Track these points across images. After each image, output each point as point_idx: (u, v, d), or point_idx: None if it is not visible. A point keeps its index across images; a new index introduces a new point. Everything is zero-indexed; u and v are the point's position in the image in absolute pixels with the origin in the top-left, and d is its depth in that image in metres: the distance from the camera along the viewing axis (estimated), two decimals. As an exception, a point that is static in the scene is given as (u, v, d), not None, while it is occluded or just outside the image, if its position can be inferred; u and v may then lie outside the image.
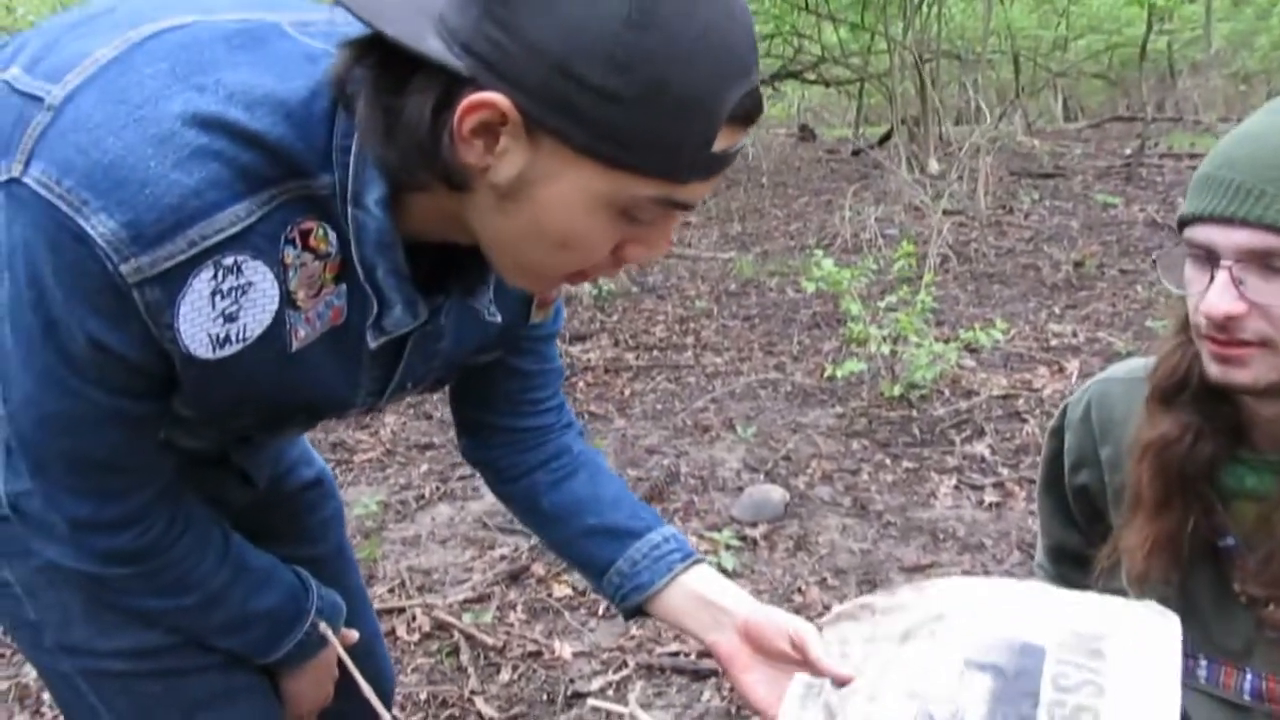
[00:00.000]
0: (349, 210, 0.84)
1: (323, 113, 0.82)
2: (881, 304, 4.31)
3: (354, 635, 1.26)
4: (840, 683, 1.03)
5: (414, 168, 0.79)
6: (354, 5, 0.76)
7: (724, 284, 6.21)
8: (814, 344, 4.97)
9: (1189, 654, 1.09)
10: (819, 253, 4.53)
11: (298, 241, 0.85)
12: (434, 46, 0.74)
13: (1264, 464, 1.02)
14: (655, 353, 4.98)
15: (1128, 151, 10.06)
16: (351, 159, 0.83)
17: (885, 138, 10.89)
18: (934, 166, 9.36)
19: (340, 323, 0.91)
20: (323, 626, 1.15)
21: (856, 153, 11.42)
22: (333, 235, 0.86)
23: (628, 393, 4.50)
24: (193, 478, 1.07)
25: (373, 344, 0.93)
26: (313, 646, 1.16)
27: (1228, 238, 0.91)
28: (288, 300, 0.86)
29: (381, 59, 0.78)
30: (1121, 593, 1.08)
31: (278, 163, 0.81)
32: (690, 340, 5.13)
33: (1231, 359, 0.94)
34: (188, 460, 1.06)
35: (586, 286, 5.82)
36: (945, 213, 7.19)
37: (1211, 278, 0.92)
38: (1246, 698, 1.06)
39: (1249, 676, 1.06)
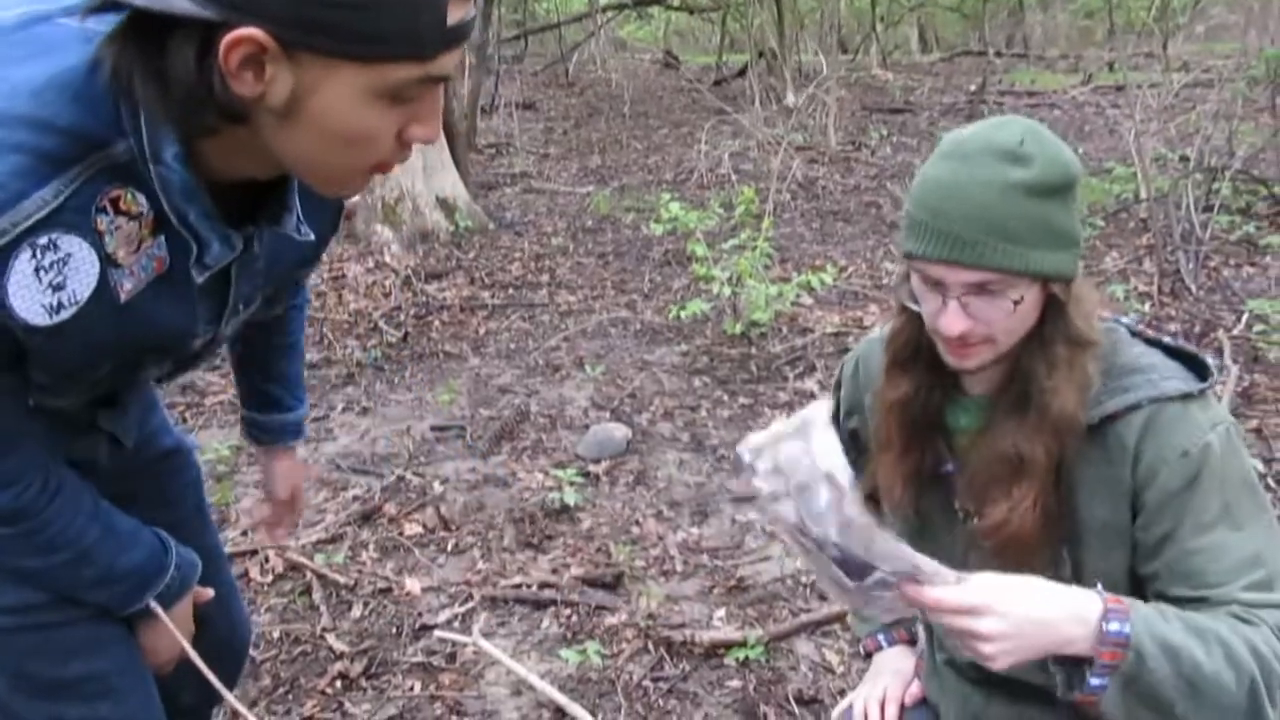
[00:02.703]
0: (151, 168, 0.95)
1: (106, 86, 0.92)
2: (726, 245, 4.51)
3: (208, 593, 1.38)
4: None
5: (197, 116, 0.90)
6: None
7: (581, 220, 6.32)
8: (665, 282, 5.16)
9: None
10: (666, 195, 4.68)
11: (109, 209, 0.95)
12: (181, 4, 0.84)
13: (973, 404, 1.30)
14: (511, 291, 5.09)
15: (972, 88, 10.50)
16: (142, 122, 0.93)
17: (742, 71, 11.04)
18: (791, 99, 9.56)
19: (165, 270, 1.02)
20: (153, 604, 1.25)
21: (718, 83, 11.57)
22: (141, 196, 0.97)
23: (482, 331, 4.61)
24: (65, 443, 1.17)
25: (199, 279, 1.04)
26: (171, 599, 1.28)
27: (955, 276, 1.15)
28: (108, 261, 0.97)
29: (140, 31, 0.88)
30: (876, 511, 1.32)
31: (75, 142, 0.92)
32: (546, 279, 5.25)
33: (964, 355, 1.20)
34: (60, 425, 1.15)
35: (443, 223, 5.86)
36: (797, 148, 7.45)
37: (944, 301, 1.17)
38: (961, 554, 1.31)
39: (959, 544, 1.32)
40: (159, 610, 1.25)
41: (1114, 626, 1.08)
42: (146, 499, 1.34)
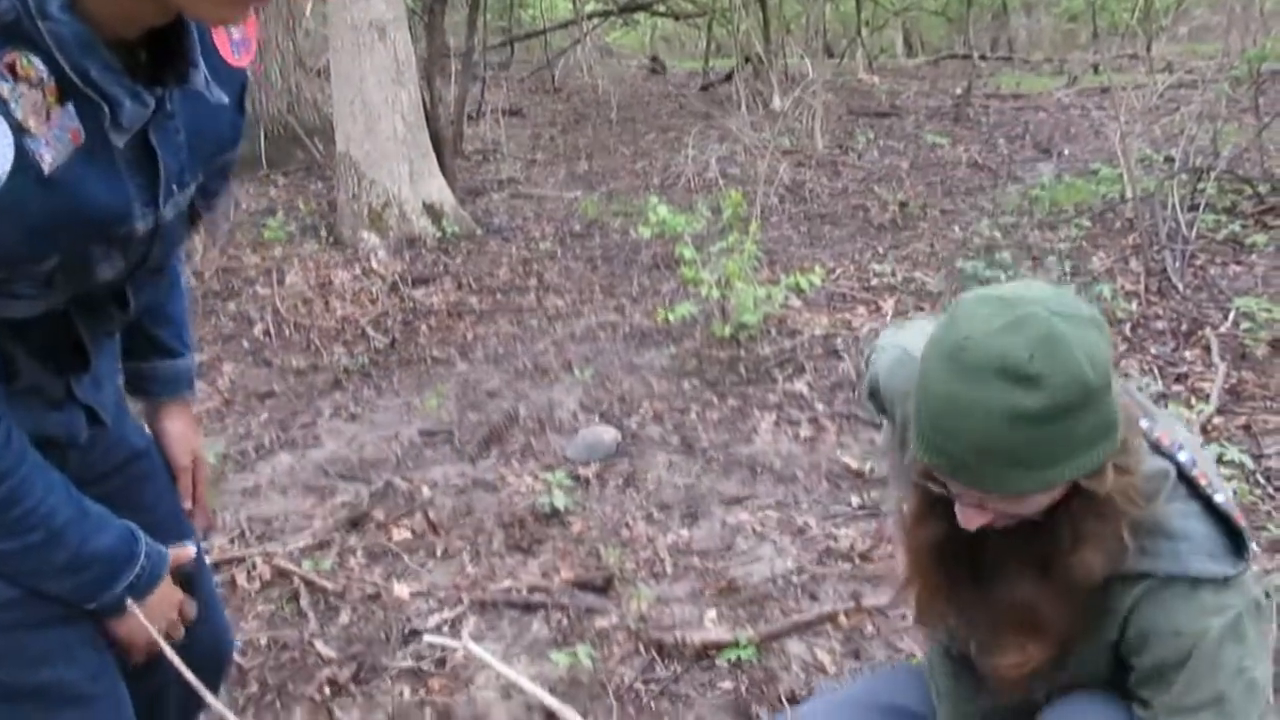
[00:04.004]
0: (40, 25, 0.93)
1: None
2: (714, 248, 4.50)
3: (190, 551, 1.36)
4: None
5: None
6: None
7: (569, 224, 6.31)
8: (653, 285, 5.15)
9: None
10: (654, 199, 4.67)
11: (6, 74, 0.94)
12: None
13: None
14: (498, 296, 5.07)
15: (958, 91, 10.53)
16: None
17: (729, 76, 11.06)
18: (778, 103, 9.57)
19: (82, 142, 1.00)
20: (124, 595, 1.23)
21: (705, 88, 11.58)
22: (37, 60, 0.95)
23: (470, 336, 4.60)
24: (42, 414, 1.15)
25: (119, 142, 1.03)
26: (141, 590, 1.25)
27: (959, 487, 1.10)
28: (21, 130, 0.95)
29: None
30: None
31: None
32: (533, 283, 5.24)
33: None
34: (36, 399, 1.14)
35: (430, 229, 5.83)
36: (784, 152, 7.45)
37: (960, 496, 1.12)
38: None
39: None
40: (129, 602, 1.22)
41: None
42: (120, 503, 1.31)
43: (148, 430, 1.52)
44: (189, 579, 1.36)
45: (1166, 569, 1.09)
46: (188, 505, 1.52)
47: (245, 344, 4.55)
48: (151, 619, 1.28)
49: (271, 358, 4.40)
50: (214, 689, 1.58)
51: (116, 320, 1.25)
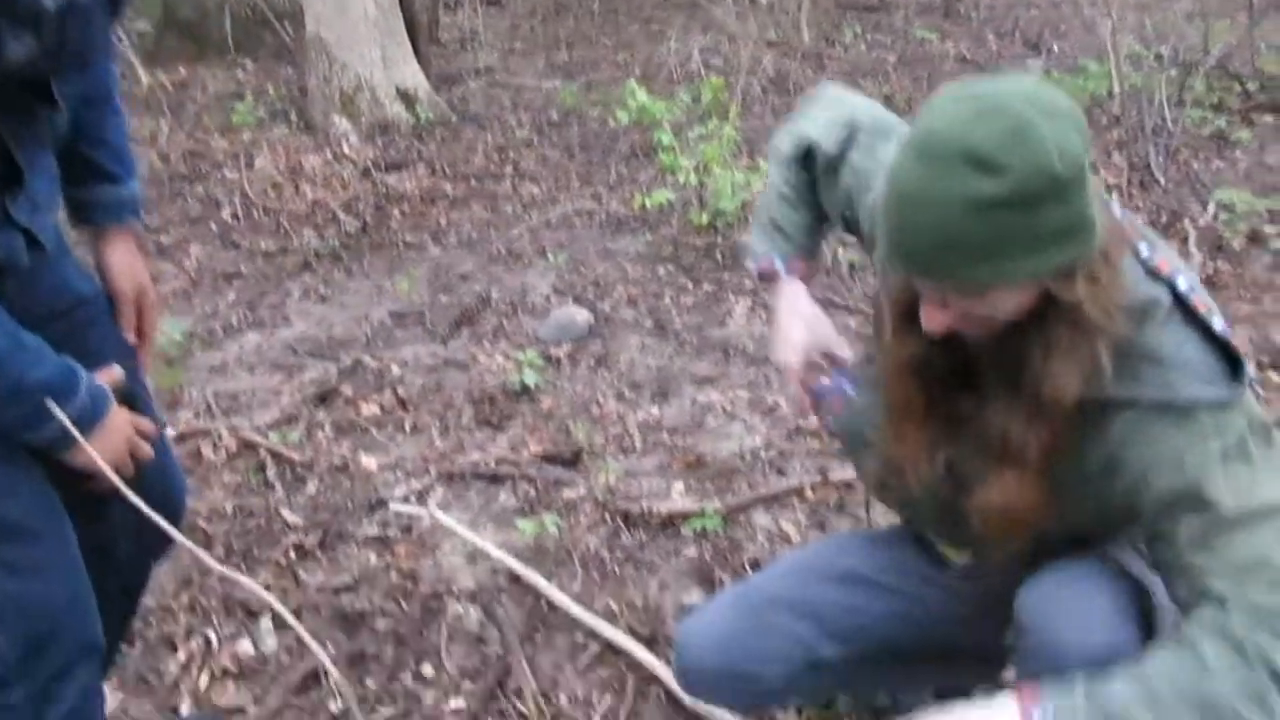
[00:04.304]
0: None
1: None
2: (693, 134, 4.41)
3: (117, 372, 1.32)
4: None
5: None
6: None
7: (546, 113, 6.17)
8: (631, 174, 5.06)
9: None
10: (633, 84, 4.55)
11: None
12: None
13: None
14: (473, 183, 4.97)
15: (949, -13, 10.26)
16: None
17: (717, -34, 10.72)
18: (764, -4, 9.33)
19: None
20: (64, 420, 1.19)
21: (690, -19, 11.26)
22: None
23: (444, 222, 4.52)
24: None
25: None
26: (86, 424, 1.22)
27: (925, 285, 1.07)
28: None
29: None
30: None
31: None
32: (509, 170, 5.14)
33: (956, 334, 1.11)
34: None
35: (403, 115, 5.69)
36: (769, 44, 7.28)
37: (924, 296, 1.09)
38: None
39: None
40: (72, 428, 1.19)
41: (1035, 715, 1.05)
42: (64, 349, 1.28)
43: (97, 280, 1.48)
44: (131, 398, 1.31)
45: (1154, 396, 1.05)
46: (131, 338, 1.47)
47: (213, 227, 4.45)
48: (101, 454, 1.26)
49: (239, 240, 4.32)
50: (169, 538, 1.57)
51: (45, 124, 1.20)
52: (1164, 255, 1.12)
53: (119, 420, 1.27)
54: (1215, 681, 0.98)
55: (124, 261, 1.46)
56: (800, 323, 1.46)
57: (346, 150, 5.26)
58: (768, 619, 1.42)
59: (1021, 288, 1.02)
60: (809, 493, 2.50)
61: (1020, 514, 1.15)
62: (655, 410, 2.95)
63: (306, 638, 0.92)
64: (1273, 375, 3.00)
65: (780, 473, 2.61)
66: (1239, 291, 3.49)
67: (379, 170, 5.02)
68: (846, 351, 1.46)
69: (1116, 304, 1.03)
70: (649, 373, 3.16)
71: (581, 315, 3.45)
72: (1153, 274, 1.09)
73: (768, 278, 1.53)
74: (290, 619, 0.91)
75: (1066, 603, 1.16)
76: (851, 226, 1.47)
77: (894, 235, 1.03)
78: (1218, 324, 1.07)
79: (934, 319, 1.08)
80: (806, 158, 1.49)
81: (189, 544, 1.19)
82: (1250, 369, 1.08)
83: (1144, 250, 1.10)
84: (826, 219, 1.54)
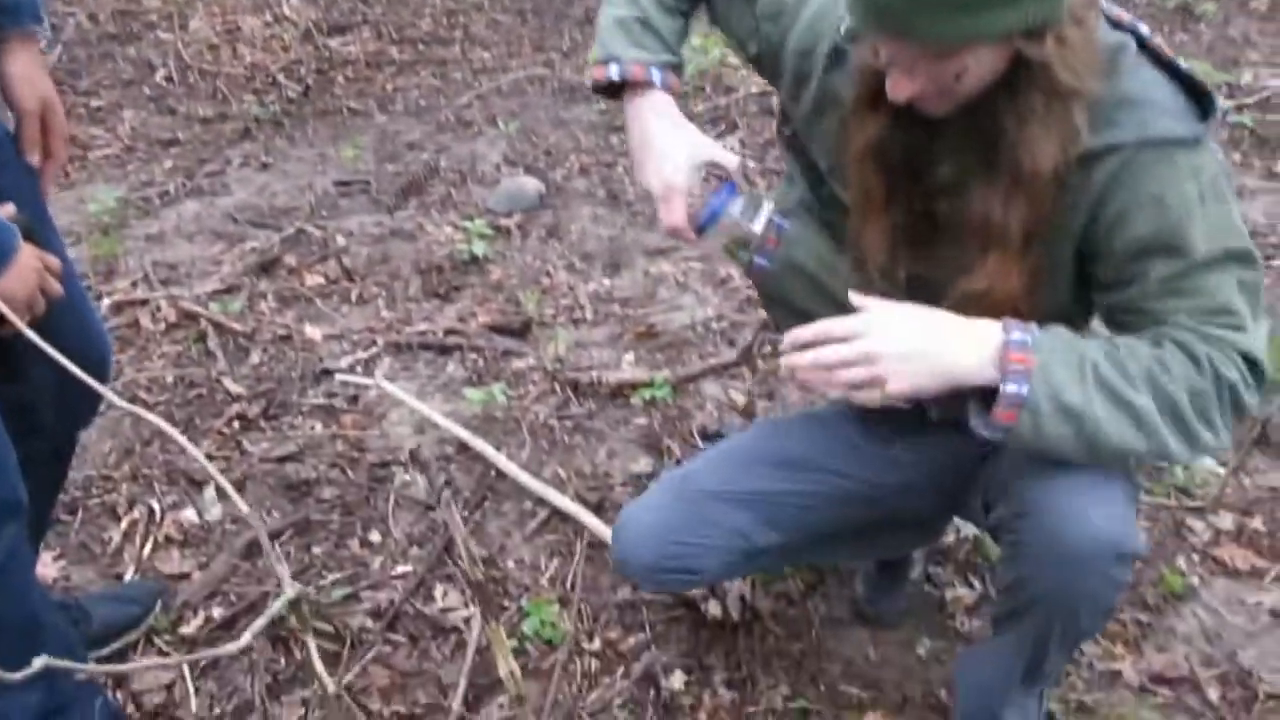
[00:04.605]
0: None
1: None
2: (648, -3, 4.24)
3: (9, 208, 1.24)
4: None
5: None
6: None
7: (498, -24, 5.90)
8: (585, 40, 4.87)
9: None
10: (586, -59, 4.36)
11: None
12: None
13: (950, 150, 1.14)
14: (420, 47, 4.77)
15: None
16: None
17: None
18: None
19: None
20: None
21: None
22: None
23: (390, 88, 4.35)
24: None
25: None
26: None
27: (887, 46, 1.03)
28: None
29: None
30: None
31: None
32: (458, 34, 4.93)
33: (922, 108, 1.08)
34: None
35: (347, -26, 5.41)
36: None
37: (889, 64, 1.05)
38: None
39: None
40: None
41: (1011, 388, 1.05)
42: None
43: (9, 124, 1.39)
44: (32, 233, 1.24)
45: (1136, 136, 1.04)
46: (34, 159, 1.36)
47: (146, 90, 4.25)
48: (11, 294, 1.19)
49: (176, 105, 4.13)
50: (95, 400, 1.52)
51: None
52: (1118, 10, 1.11)
53: (26, 256, 1.20)
54: (1170, 376, 1.05)
55: (24, 72, 1.34)
56: (682, 136, 1.25)
57: (287, 11, 5.00)
58: (705, 512, 1.39)
59: (991, 47, 1.00)
60: (760, 363, 2.50)
61: (1004, 300, 1.12)
62: (606, 281, 2.91)
63: (234, 496, 0.89)
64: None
65: (731, 343, 2.60)
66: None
67: (321, 33, 4.80)
68: (732, 160, 1.25)
69: (1087, 65, 1.02)
70: (600, 243, 3.11)
71: (532, 185, 3.36)
72: (1115, 24, 1.09)
73: (634, 88, 1.28)
74: (217, 476, 0.88)
75: (1076, 494, 1.13)
76: (763, 48, 1.33)
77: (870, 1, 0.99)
78: (1183, 63, 1.08)
79: (901, 87, 1.04)
80: None
81: (113, 397, 1.14)
82: (1220, 102, 1.08)
83: (1103, 3, 1.10)
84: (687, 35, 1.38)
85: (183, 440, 1.06)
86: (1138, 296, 1.10)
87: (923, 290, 1.17)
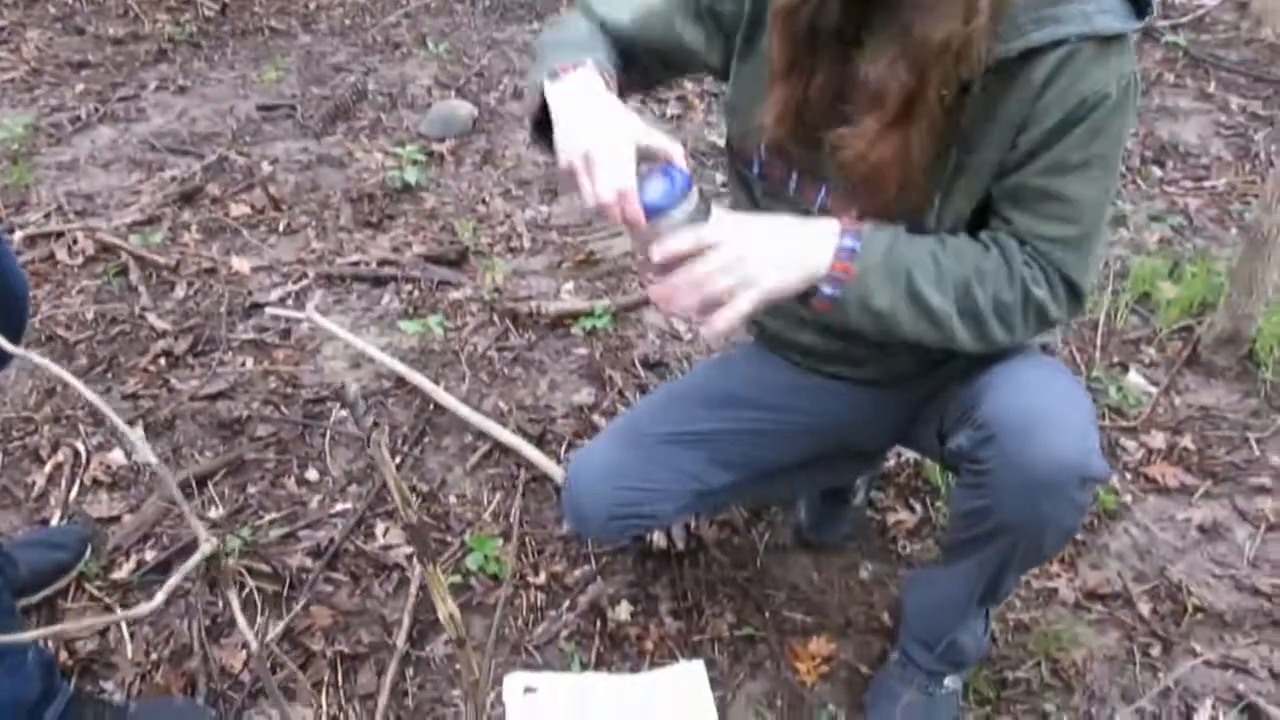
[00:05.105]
0: None
1: None
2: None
3: None
4: None
5: None
6: None
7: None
8: (517, -44, 4.72)
9: (787, 175, 1.24)
10: None
11: None
12: None
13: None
14: (344, -38, 4.57)
15: None
16: None
17: None
18: None
19: None
20: None
21: None
22: None
23: (313, 6, 4.17)
24: None
25: None
26: None
27: None
28: None
29: None
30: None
31: None
32: (384, -51, 4.73)
33: None
34: None
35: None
36: None
37: None
38: (816, 210, 1.24)
39: (821, 191, 1.23)
40: None
41: (846, 242, 1.09)
42: None
43: None
44: None
45: (1079, 29, 1.03)
46: None
47: (52, 9, 4.02)
48: None
49: (84, 25, 3.92)
50: (14, 334, 1.45)
51: None
52: None
53: None
54: (982, 285, 1.11)
55: None
56: (614, 107, 1.08)
57: (200, -76, 4.75)
58: (655, 456, 1.37)
59: None
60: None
61: (877, 170, 1.10)
62: (544, 208, 2.85)
63: (141, 446, 0.85)
64: (1155, 170, 3.04)
65: (672, 271, 2.56)
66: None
67: (238, -53, 4.57)
68: (677, 148, 1.07)
69: None
70: (537, 169, 3.03)
71: (465, 108, 3.26)
72: None
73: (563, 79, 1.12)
74: (119, 423, 0.82)
75: (1042, 420, 1.13)
76: (724, 26, 1.25)
77: None
78: None
79: None
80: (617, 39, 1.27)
81: (10, 347, 1.08)
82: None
83: None
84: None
85: (78, 385, 1.00)
86: (1015, 185, 1.11)
87: (813, 176, 1.21)
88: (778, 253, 1.08)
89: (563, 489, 1.44)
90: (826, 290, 1.09)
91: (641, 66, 1.30)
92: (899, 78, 1.05)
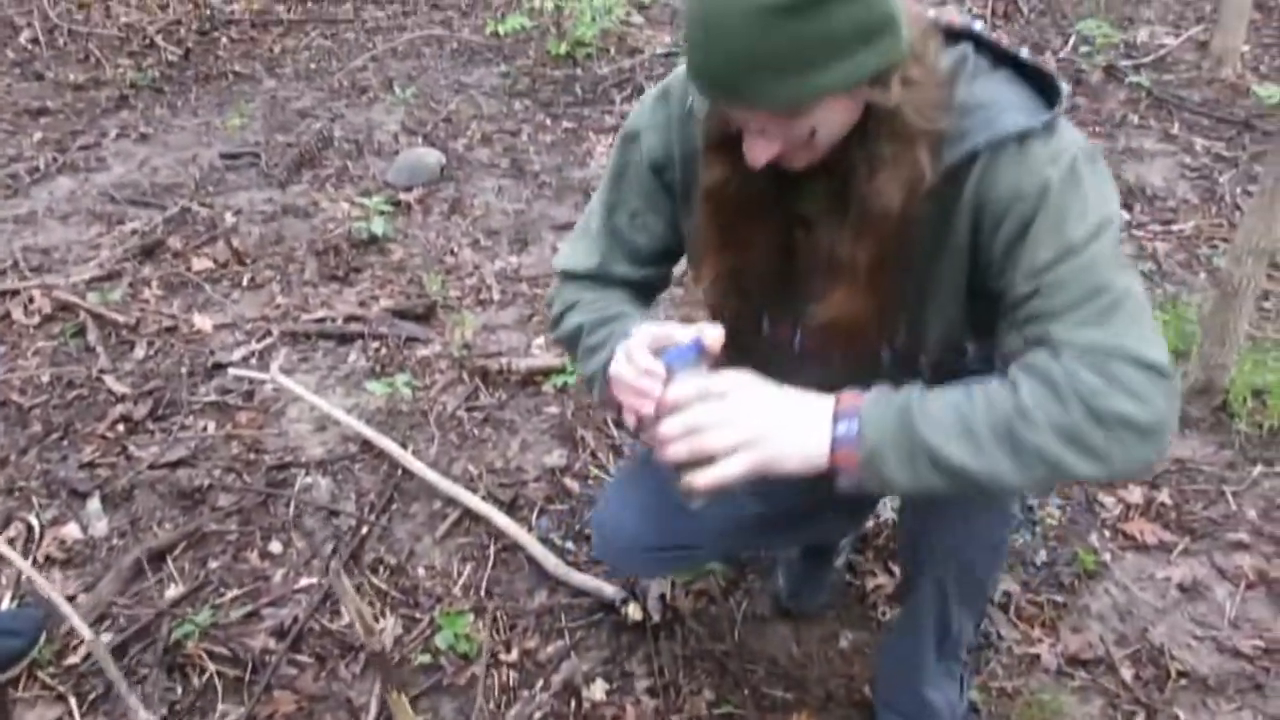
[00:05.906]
0: None
1: None
2: (549, -45, 4.10)
3: None
4: None
5: None
6: None
7: (390, -73, 5.65)
8: (484, -2, 4.71)
9: (757, 320, 1.22)
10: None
11: None
12: None
13: (812, 191, 1.11)
14: (310, 5, 4.55)
15: None
16: None
17: None
18: None
19: None
20: None
21: None
22: None
23: (278, 50, 4.13)
24: None
25: None
26: None
27: (737, 114, 1.00)
28: None
29: None
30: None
31: None
32: (350, -9, 4.71)
33: (786, 165, 1.04)
34: None
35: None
36: None
37: (743, 128, 1.01)
38: (797, 348, 1.22)
39: (797, 334, 1.22)
40: None
41: (840, 430, 1.02)
42: None
43: None
44: None
45: (986, 137, 1.02)
46: None
47: (10, 54, 3.96)
48: None
49: (43, 70, 3.86)
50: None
51: None
52: (951, 14, 1.09)
53: None
54: (1030, 423, 0.97)
55: None
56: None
57: (163, -34, 4.71)
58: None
59: (838, 100, 0.97)
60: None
61: (856, 326, 1.11)
62: (514, 259, 2.81)
63: (34, 576, 0.79)
64: (1123, 213, 3.06)
65: (644, 323, 2.54)
66: (1094, 128, 3.52)
67: (202, -10, 4.53)
68: (685, 333, 1.07)
69: (935, 104, 1.01)
70: (506, 218, 3.01)
71: (432, 156, 3.23)
72: (948, 33, 1.07)
73: None
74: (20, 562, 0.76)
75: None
76: (679, 194, 1.24)
77: (696, 60, 0.97)
78: (1024, 53, 1.06)
79: (758, 150, 1.01)
80: (595, 277, 1.29)
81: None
82: (1065, 87, 1.05)
83: (931, 14, 1.07)
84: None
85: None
86: (1014, 303, 1.06)
87: (783, 320, 1.18)
88: (778, 429, 1.02)
89: (597, 525, 1.44)
90: (843, 481, 1.02)
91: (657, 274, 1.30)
92: (866, 250, 1.05)
